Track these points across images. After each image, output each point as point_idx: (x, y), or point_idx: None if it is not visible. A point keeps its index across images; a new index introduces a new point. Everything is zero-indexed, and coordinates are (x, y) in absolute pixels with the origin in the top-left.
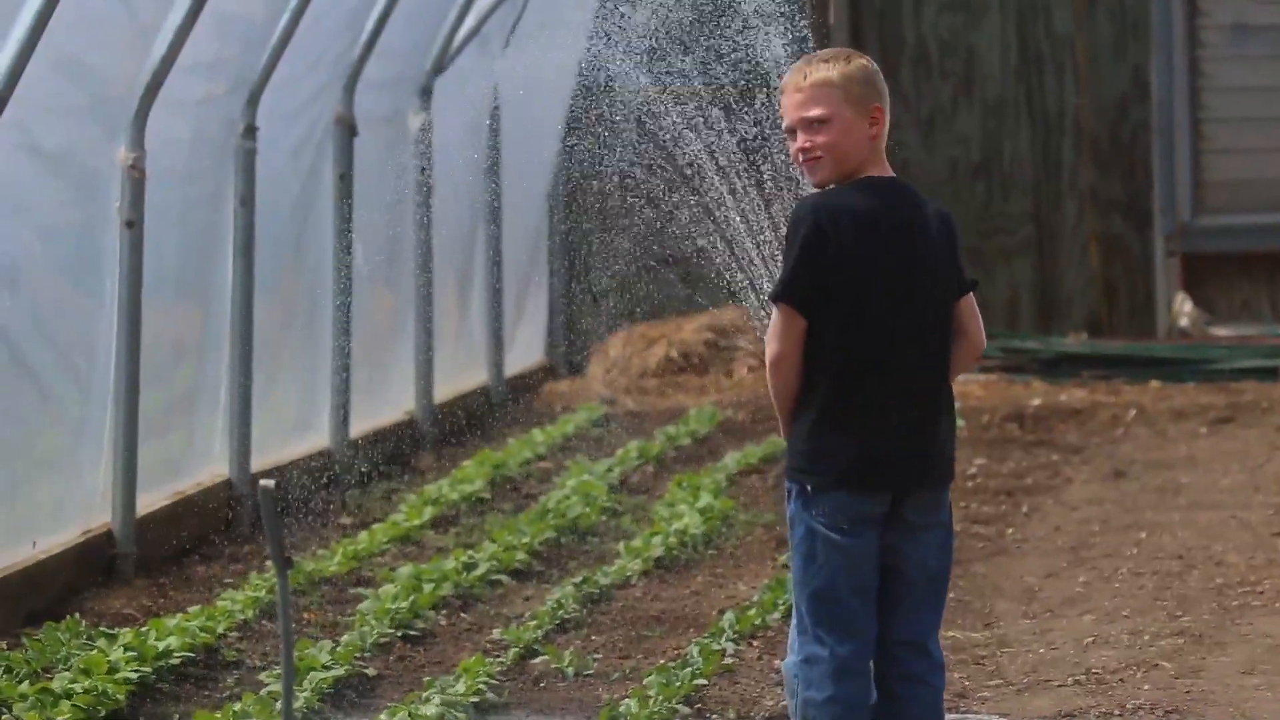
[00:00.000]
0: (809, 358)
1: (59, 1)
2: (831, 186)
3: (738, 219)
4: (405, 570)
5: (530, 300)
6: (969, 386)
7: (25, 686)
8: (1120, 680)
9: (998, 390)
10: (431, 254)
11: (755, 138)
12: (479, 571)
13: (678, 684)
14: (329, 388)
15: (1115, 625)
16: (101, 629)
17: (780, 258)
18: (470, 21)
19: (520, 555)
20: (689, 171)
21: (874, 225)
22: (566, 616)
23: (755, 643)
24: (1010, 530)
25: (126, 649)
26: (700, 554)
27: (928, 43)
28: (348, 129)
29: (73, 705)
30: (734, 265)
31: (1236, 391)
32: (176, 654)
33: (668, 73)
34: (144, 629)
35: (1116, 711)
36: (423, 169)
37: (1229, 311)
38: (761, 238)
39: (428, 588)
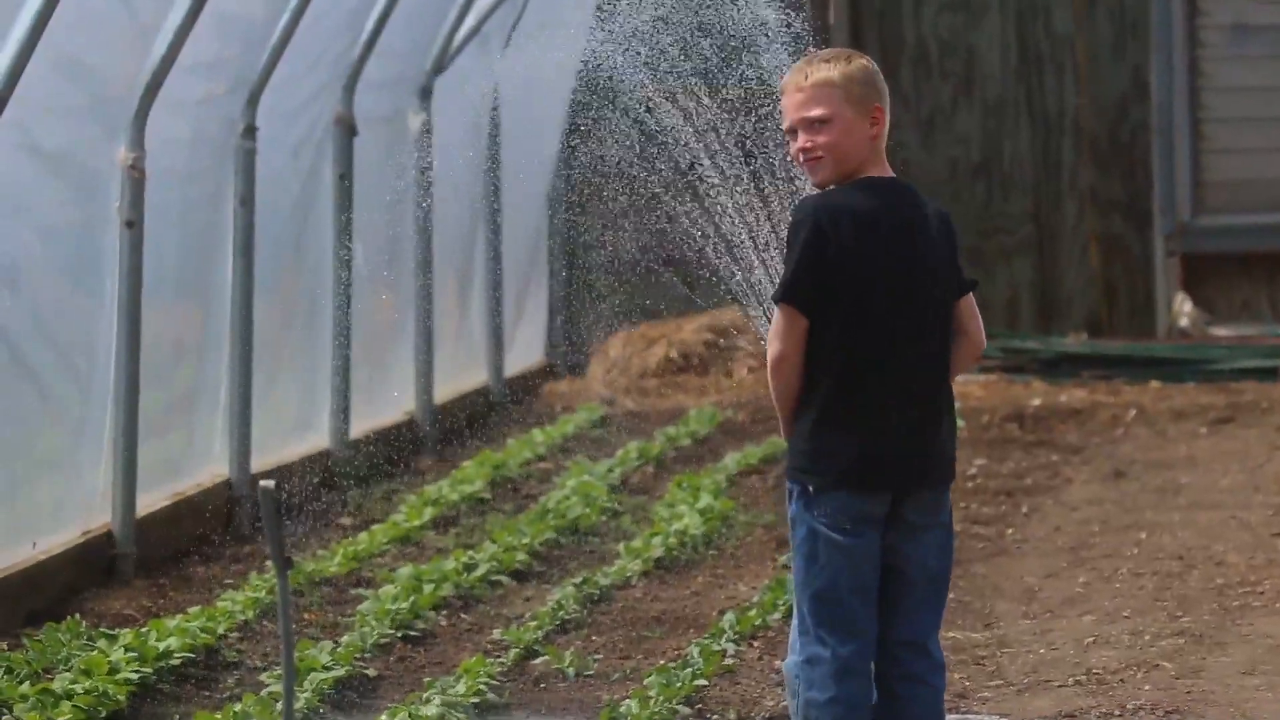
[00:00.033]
0: (810, 358)
1: (59, 1)
2: (831, 187)
3: (738, 219)
4: (405, 571)
5: (530, 300)
6: (969, 387)
7: (26, 687)
8: (1121, 680)
9: (998, 390)
10: (431, 254)
11: (755, 138)
12: (479, 572)
13: (678, 684)
14: (329, 388)
15: (1115, 625)
16: (102, 629)
17: (781, 258)
18: (470, 21)
19: (520, 556)
20: (689, 171)
21: (874, 225)
22: (567, 617)
23: (756, 643)
24: (1010, 530)
25: (127, 649)
26: (700, 554)
27: (928, 43)
28: (347, 129)
29: (73, 706)
30: (734, 266)
31: (1236, 391)
32: (177, 654)
33: (667, 72)
34: (144, 629)
35: (1117, 712)
36: (422, 169)
37: (1229, 311)
38: (761, 238)
39: (428, 588)
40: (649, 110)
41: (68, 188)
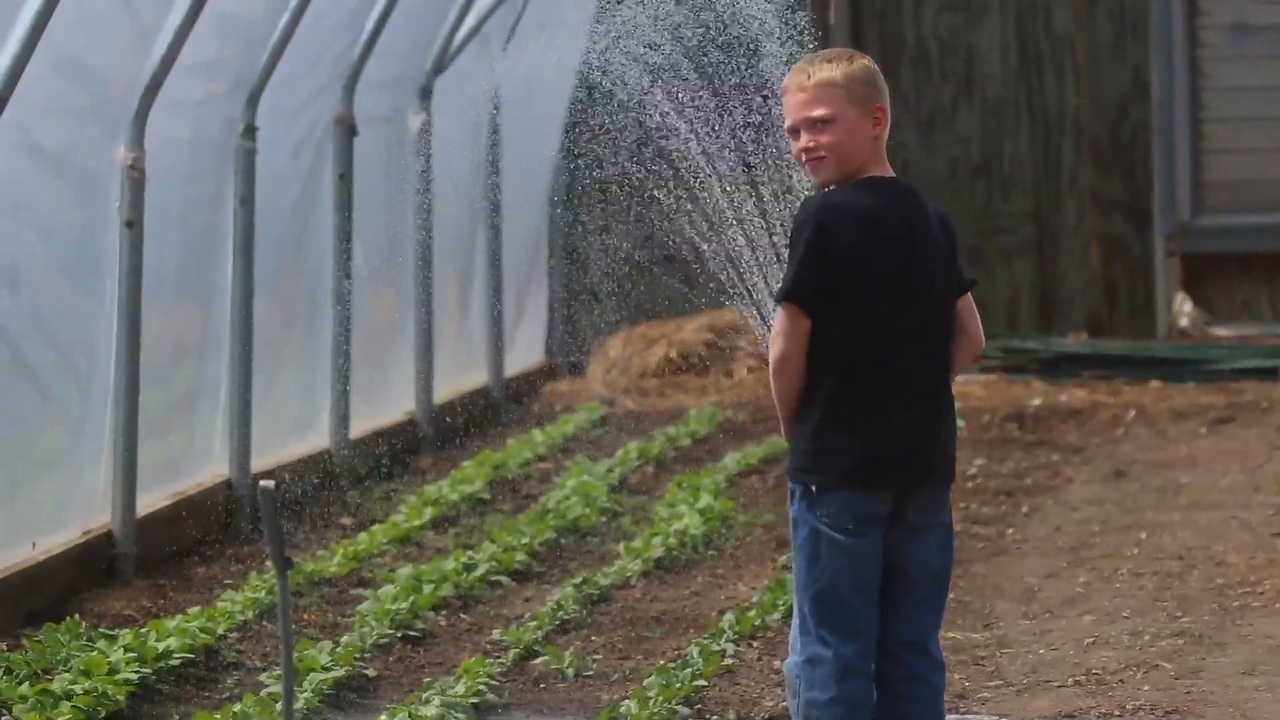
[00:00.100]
0: (813, 358)
1: (59, 2)
2: (833, 187)
3: (738, 220)
4: (405, 571)
5: (530, 300)
6: (969, 387)
7: (25, 688)
8: (1120, 681)
9: (998, 390)
10: (431, 254)
11: (756, 138)
12: (479, 572)
13: (678, 685)
14: (329, 388)
15: (1115, 626)
16: (101, 630)
17: (783, 259)
18: (470, 21)
19: (520, 556)
20: (688, 171)
21: (877, 225)
22: (566, 617)
23: (755, 643)
24: (1010, 530)
25: (126, 650)
26: (700, 555)
27: (928, 43)
28: (348, 129)
29: (73, 706)
30: (734, 266)
31: (1236, 392)
32: (176, 655)
33: (667, 72)
34: (144, 630)
35: (1116, 712)
36: (423, 169)
37: (1229, 311)
38: (761, 239)
39: (428, 588)
40: (649, 110)
41: (68, 188)
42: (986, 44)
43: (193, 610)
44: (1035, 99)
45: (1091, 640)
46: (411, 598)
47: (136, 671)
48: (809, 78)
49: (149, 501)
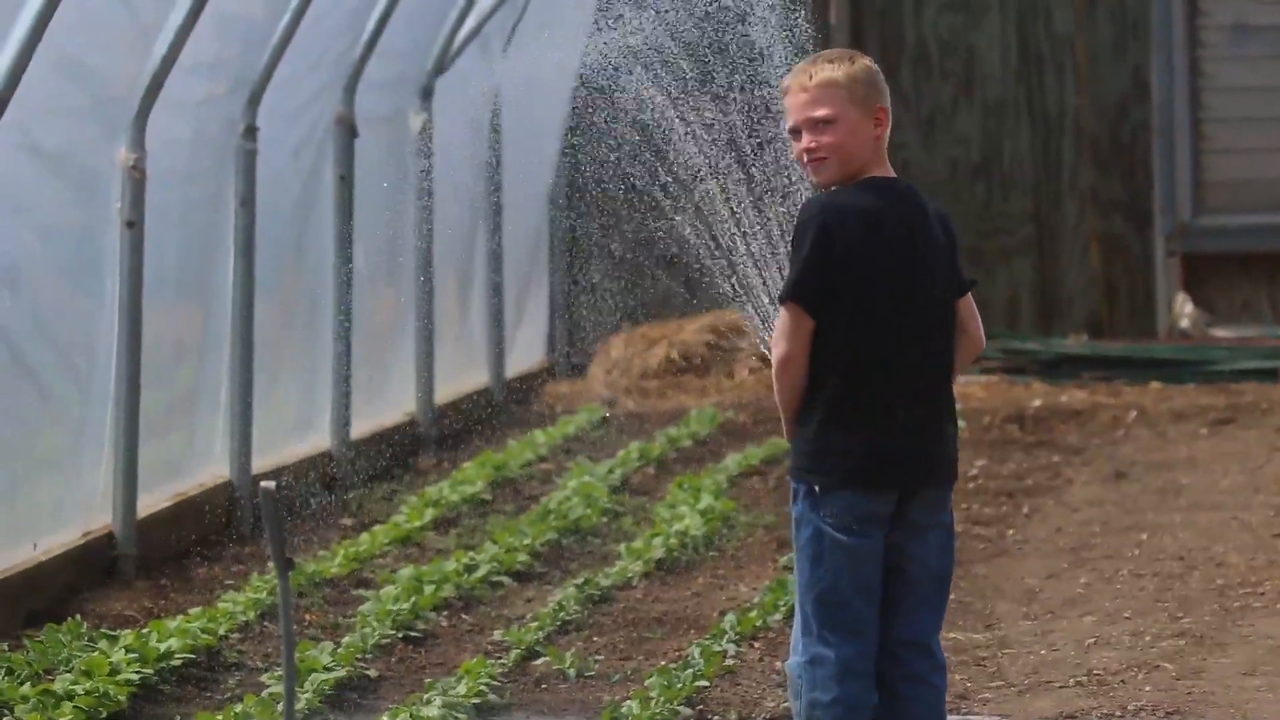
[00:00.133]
0: (815, 358)
1: (60, 2)
2: (834, 188)
3: (738, 220)
4: (406, 572)
5: (531, 301)
6: (970, 388)
7: (26, 688)
8: (1121, 681)
9: (998, 391)
10: (432, 254)
11: (756, 139)
12: (480, 573)
13: (679, 685)
14: (330, 388)
15: (1116, 626)
16: (103, 630)
17: (781, 260)
18: (471, 22)
19: (521, 557)
20: (688, 172)
21: (878, 225)
22: (568, 618)
23: (756, 644)
24: (1011, 531)
25: (128, 650)
26: (701, 555)
27: (928, 43)
28: (348, 129)
29: (74, 707)
30: (734, 267)
31: (1237, 393)
32: (178, 655)
33: (667, 73)
34: (145, 630)
35: (1118, 713)
36: (423, 169)
37: (1229, 312)
38: (763, 239)
39: (429, 589)
40: (649, 111)
41: (68, 188)
42: (987, 44)
43: (194, 611)
44: (1035, 99)
45: (1092, 641)
46: (413, 598)
47: (138, 672)
48: (811, 78)
49: (150, 502)
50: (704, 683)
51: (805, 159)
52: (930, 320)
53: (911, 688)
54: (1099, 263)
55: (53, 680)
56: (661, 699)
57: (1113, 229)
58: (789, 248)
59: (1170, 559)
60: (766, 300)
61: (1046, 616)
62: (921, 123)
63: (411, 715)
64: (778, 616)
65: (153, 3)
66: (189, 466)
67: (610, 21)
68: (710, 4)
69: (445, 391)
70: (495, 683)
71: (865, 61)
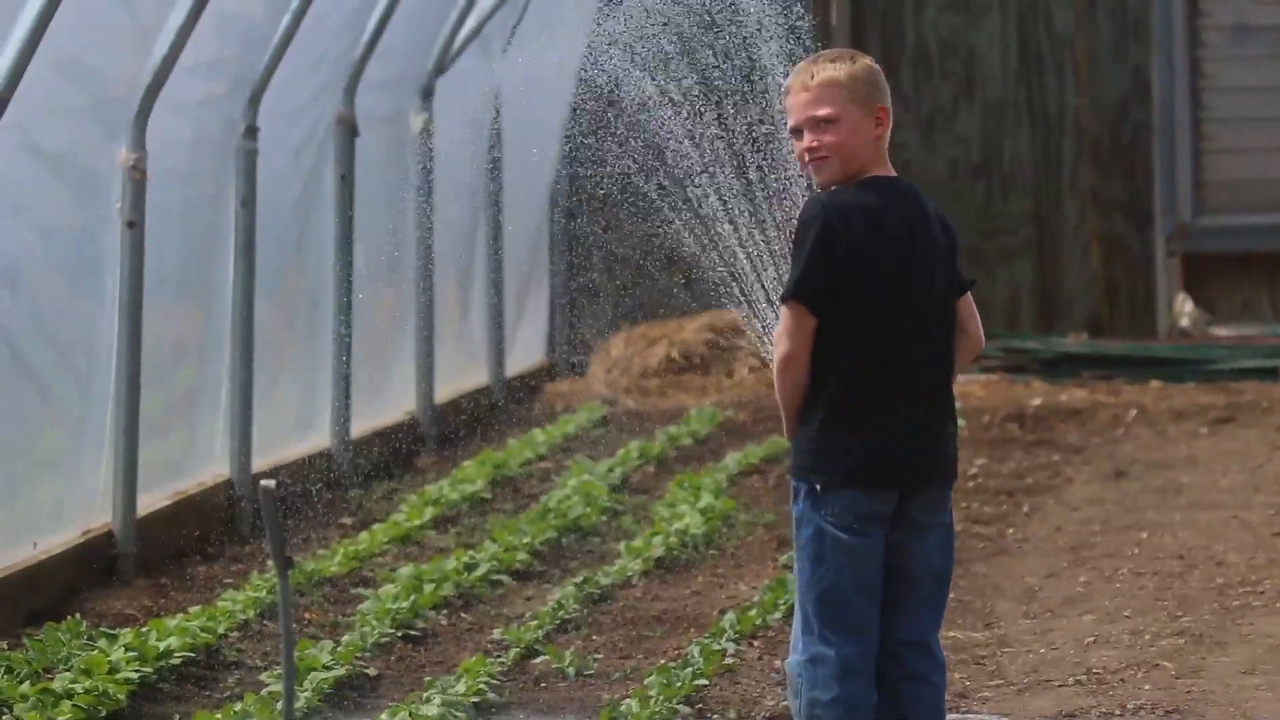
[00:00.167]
0: (817, 357)
1: (60, 2)
2: (834, 187)
3: (738, 220)
4: (406, 570)
5: (531, 300)
6: (970, 387)
7: (26, 687)
8: (1121, 680)
9: (998, 390)
10: (432, 254)
11: (756, 138)
12: (480, 571)
13: (678, 684)
14: (330, 388)
15: (1116, 625)
16: (102, 629)
17: (778, 259)
18: (471, 22)
19: (521, 555)
20: (688, 173)
21: (880, 224)
22: (567, 616)
23: (756, 643)
24: (1011, 530)
25: (127, 649)
26: (701, 554)
27: (928, 43)
28: (349, 129)
29: (73, 705)
30: (733, 267)
31: (1237, 391)
32: (177, 654)
33: (668, 74)
34: (145, 629)
35: (1117, 711)
36: (424, 169)
37: (1229, 312)
38: (762, 239)
39: (428, 588)
40: (649, 111)
41: (68, 188)
42: (987, 44)
43: (193, 609)
44: (1036, 99)
45: (1092, 639)
46: (412, 597)
47: (137, 670)
48: (812, 77)
49: (150, 501)
50: (703, 681)
51: (807, 158)
52: (931, 320)
53: (912, 687)
54: (1099, 263)
55: (52, 679)
56: (661, 697)
57: (1113, 229)
58: (790, 247)
59: (1170, 558)
60: (765, 303)
61: (1046, 615)
62: (922, 123)
63: (411, 714)
64: (777, 615)
65: (153, 3)
66: (189, 466)
67: (610, 22)
68: (710, 4)
69: (445, 391)
70: (494, 681)
71: (866, 61)
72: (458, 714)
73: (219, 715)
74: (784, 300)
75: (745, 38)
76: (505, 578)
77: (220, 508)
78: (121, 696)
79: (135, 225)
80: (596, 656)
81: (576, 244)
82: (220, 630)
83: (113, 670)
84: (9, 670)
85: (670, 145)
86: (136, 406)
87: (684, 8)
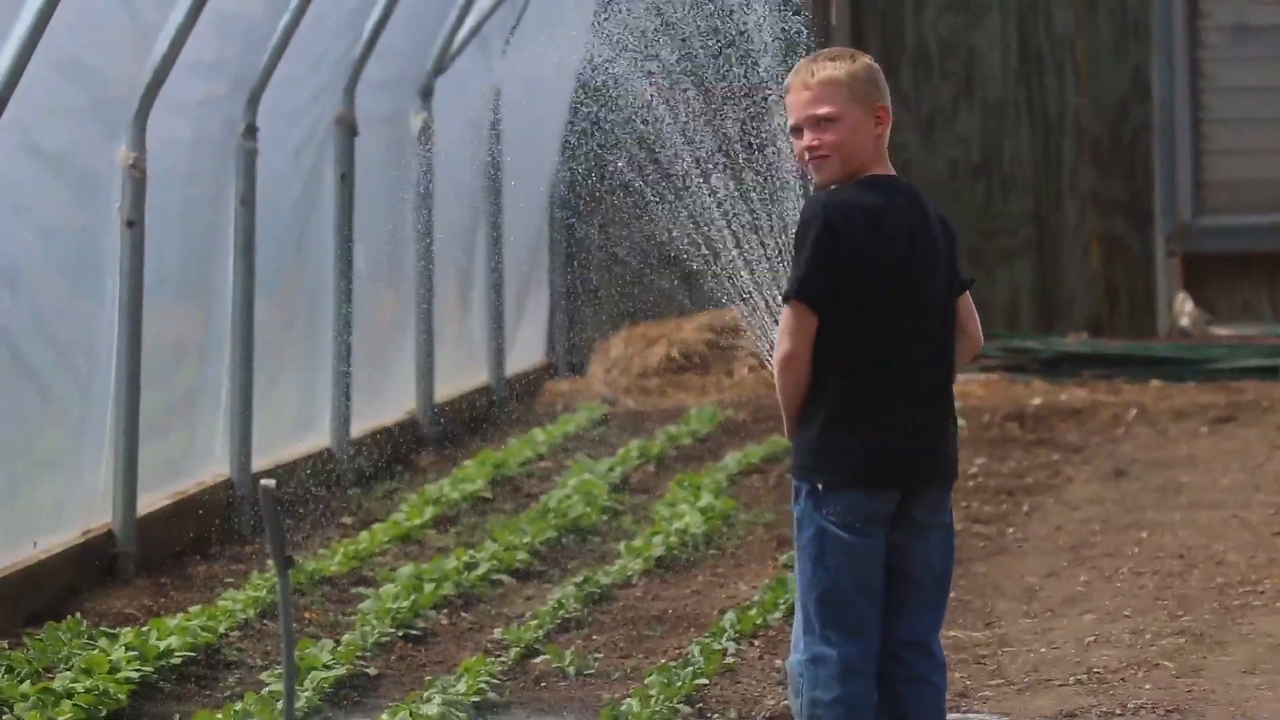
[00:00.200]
0: (818, 356)
1: (60, 2)
2: (834, 186)
3: (738, 220)
4: (406, 570)
5: (531, 300)
6: (970, 386)
7: (26, 686)
8: (1121, 679)
9: (998, 390)
10: (432, 254)
11: (756, 137)
12: (480, 571)
13: (679, 683)
14: (330, 387)
15: (1116, 624)
16: (103, 629)
17: (783, 257)
18: (470, 22)
19: (521, 555)
20: (688, 172)
21: (880, 224)
22: (567, 616)
23: (756, 642)
24: (1011, 530)
25: (128, 648)
26: (701, 553)
27: (928, 43)
28: (349, 129)
29: (74, 705)
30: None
31: (1237, 391)
32: (178, 653)
33: (668, 72)
34: (145, 628)
35: (1118, 711)
36: (423, 169)
37: (1229, 312)
38: (761, 239)
39: (429, 587)
40: (649, 110)
41: (68, 188)
42: (987, 44)
43: (194, 609)
44: (1036, 99)
45: (1092, 639)
46: (413, 596)
47: (138, 670)
48: (813, 76)
49: (150, 501)
50: (704, 681)
51: (807, 157)
52: (931, 319)
53: (913, 688)
54: (1099, 263)
55: (52, 678)
56: (661, 697)
57: (1113, 229)
58: (790, 247)
59: (1170, 557)
60: (764, 305)
61: (1046, 614)
62: (921, 123)
63: (411, 713)
64: (778, 614)
65: (153, 3)
66: (189, 466)
67: (609, 22)
68: (711, 4)
69: (445, 390)
70: (495, 681)
71: (866, 60)
72: (458, 713)
73: (219, 715)
74: (785, 299)
75: (745, 37)
76: (505, 577)
77: (220, 507)
78: (122, 696)
79: (135, 225)
80: (597, 656)
81: (576, 244)
82: (221, 630)
83: (113, 670)
84: (9, 670)
85: (668, 144)
86: (136, 406)
87: (683, 6)
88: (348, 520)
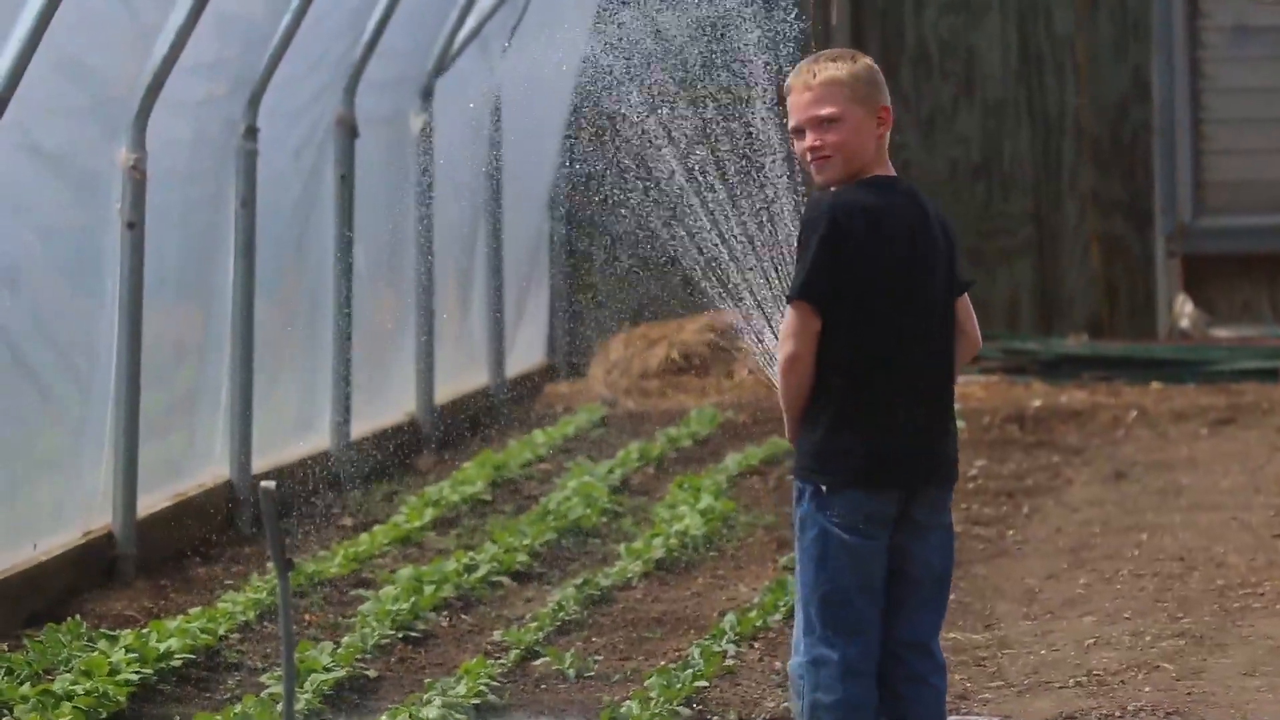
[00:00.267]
0: (820, 358)
1: (60, 2)
2: (834, 187)
3: (738, 220)
4: (406, 572)
5: (531, 301)
6: (970, 388)
7: (26, 688)
8: (1121, 682)
9: (998, 391)
10: (432, 254)
11: (756, 138)
12: (480, 573)
13: (679, 686)
14: (330, 389)
15: (1116, 627)
16: (102, 630)
17: (786, 258)
18: (471, 22)
19: (521, 557)
20: (688, 173)
21: (881, 224)
22: (567, 618)
23: (756, 644)
24: (1011, 532)
25: (127, 650)
26: (701, 555)
27: (928, 43)
28: (349, 130)
29: (74, 707)
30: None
31: (1237, 393)
32: (177, 655)
33: (667, 74)
34: (145, 630)
35: (1117, 713)
36: (423, 170)
37: (1229, 313)
38: (763, 239)
39: (429, 589)
40: (649, 111)
41: (68, 188)
42: (987, 44)
43: (194, 611)
44: (1035, 99)
45: (1092, 641)
46: (412, 598)
47: (137, 672)
48: (814, 76)
49: (149, 502)
50: (703, 683)
51: (809, 158)
52: (931, 320)
53: (912, 688)
54: (1099, 263)
55: (52, 680)
56: (661, 699)
57: (1113, 229)
58: (794, 247)
59: (1170, 559)
60: (760, 305)
61: (1046, 617)
62: (922, 123)
63: (411, 715)
64: (778, 617)
65: (153, 3)
66: (189, 466)
67: (608, 23)
68: (711, 4)
69: (445, 391)
70: (495, 683)
71: (866, 60)
72: (458, 716)
73: (219, 717)
74: (789, 300)
75: (745, 37)
76: (505, 579)
77: (220, 509)
78: (122, 698)
79: (135, 225)
80: (597, 658)
81: (576, 244)
82: (220, 632)
83: (113, 672)
84: (9, 672)
85: (668, 145)
86: (136, 406)
87: (683, 7)
88: (348, 522)
